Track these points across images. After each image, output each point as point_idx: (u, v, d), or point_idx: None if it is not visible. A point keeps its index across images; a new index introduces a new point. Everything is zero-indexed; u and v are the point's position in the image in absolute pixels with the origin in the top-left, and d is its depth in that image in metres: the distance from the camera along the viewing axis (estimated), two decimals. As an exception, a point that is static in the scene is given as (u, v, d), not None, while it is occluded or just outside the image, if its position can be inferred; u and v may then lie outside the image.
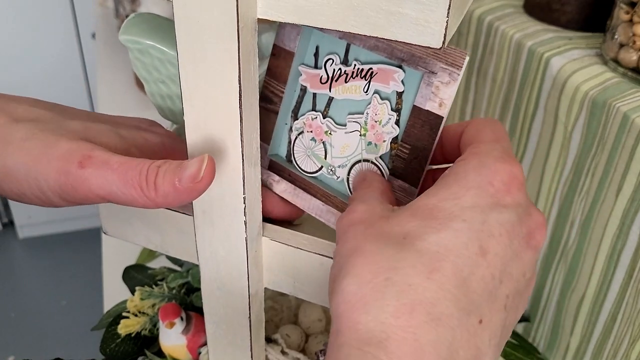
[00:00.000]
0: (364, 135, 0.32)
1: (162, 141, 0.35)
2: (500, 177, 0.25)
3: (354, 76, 0.32)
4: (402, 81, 0.30)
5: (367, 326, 0.23)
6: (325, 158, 0.34)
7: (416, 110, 0.30)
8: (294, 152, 0.35)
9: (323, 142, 0.34)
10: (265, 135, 0.35)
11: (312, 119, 0.34)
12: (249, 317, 0.35)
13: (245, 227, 0.32)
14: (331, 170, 0.34)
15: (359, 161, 0.33)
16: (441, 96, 0.29)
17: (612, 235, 0.51)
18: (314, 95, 0.34)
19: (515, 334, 0.61)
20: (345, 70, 0.32)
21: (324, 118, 0.33)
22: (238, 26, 0.26)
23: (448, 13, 0.24)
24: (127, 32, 0.37)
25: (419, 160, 0.30)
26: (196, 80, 0.29)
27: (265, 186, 0.36)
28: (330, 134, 0.34)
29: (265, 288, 0.37)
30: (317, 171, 0.35)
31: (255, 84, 0.30)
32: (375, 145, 0.32)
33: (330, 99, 0.33)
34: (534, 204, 0.27)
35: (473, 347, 0.23)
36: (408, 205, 0.26)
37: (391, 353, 0.22)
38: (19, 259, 1.94)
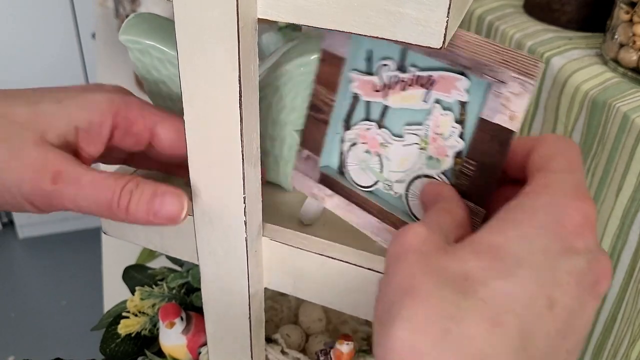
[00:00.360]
0: (425, 148, 0.30)
1: (111, 97, 0.34)
2: (573, 219, 0.23)
3: (411, 84, 0.29)
4: (465, 90, 0.28)
5: None
6: (381, 172, 0.32)
7: (483, 123, 0.27)
8: (347, 164, 0.33)
9: (378, 155, 0.32)
10: (315, 146, 0.33)
11: (367, 130, 0.32)
12: (249, 317, 0.35)
13: (245, 227, 0.32)
14: (388, 185, 0.32)
15: (419, 176, 0.30)
16: (512, 108, 0.26)
17: (612, 235, 0.51)
18: (367, 103, 0.31)
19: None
20: (401, 77, 0.29)
21: (379, 128, 0.31)
22: (238, 26, 0.26)
23: (448, 13, 0.24)
24: (127, 32, 0.37)
25: (486, 179, 0.28)
26: (196, 80, 0.28)
27: (316, 200, 0.34)
28: (385, 146, 0.31)
29: (265, 288, 0.37)
30: (372, 185, 0.32)
31: (255, 84, 0.30)
32: (438, 160, 0.29)
33: (386, 108, 0.31)
34: (602, 248, 0.25)
35: None
36: (469, 240, 0.24)
37: None
38: (19, 259, 1.94)
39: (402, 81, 0.30)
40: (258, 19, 0.28)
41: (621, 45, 0.53)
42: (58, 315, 1.72)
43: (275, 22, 0.29)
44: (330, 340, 0.49)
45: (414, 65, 0.29)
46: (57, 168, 0.30)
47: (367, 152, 0.32)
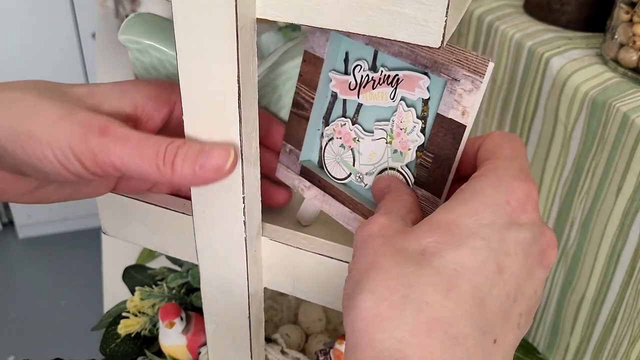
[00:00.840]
0: (390, 142, 0.32)
1: (160, 84, 0.35)
2: (516, 196, 0.25)
3: (380, 82, 0.31)
4: (427, 88, 0.30)
5: (384, 344, 0.23)
6: (354, 165, 0.34)
7: (439, 118, 0.29)
8: (325, 158, 0.35)
9: (351, 149, 0.34)
10: (297, 141, 0.35)
11: (342, 125, 0.34)
12: (249, 317, 0.35)
13: (245, 227, 0.32)
14: (359, 177, 0.34)
15: (386, 169, 0.32)
16: (464, 104, 0.28)
17: (612, 235, 0.51)
18: (344, 101, 0.33)
19: (515, 334, 0.61)
20: (372, 77, 0.32)
21: (352, 124, 0.33)
22: (237, 26, 0.26)
23: (447, 12, 0.24)
24: (127, 32, 0.37)
25: (442, 170, 0.30)
26: (195, 80, 0.29)
27: (297, 192, 0.36)
28: (358, 140, 0.33)
29: (265, 288, 0.37)
30: (346, 178, 0.35)
31: (254, 84, 0.30)
32: (401, 153, 0.31)
33: (359, 105, 0.33)
34: (546, 223, 0.27)
35: None
36: (425, 220, 0.26)
37: None
38: (19, 259, 1.94)
39: (373, 80, 0.32)
40: (257, 18, 0.28)
41: (621, 45, 0.53)
42: (58, 315, 1.72)
43: (275, 22, 0.29)
44: (330, 340, 0.49)
45: (383, 65, 0.31)
46: (105, 124, 0.30)
47: (342, 146, 0.34)
